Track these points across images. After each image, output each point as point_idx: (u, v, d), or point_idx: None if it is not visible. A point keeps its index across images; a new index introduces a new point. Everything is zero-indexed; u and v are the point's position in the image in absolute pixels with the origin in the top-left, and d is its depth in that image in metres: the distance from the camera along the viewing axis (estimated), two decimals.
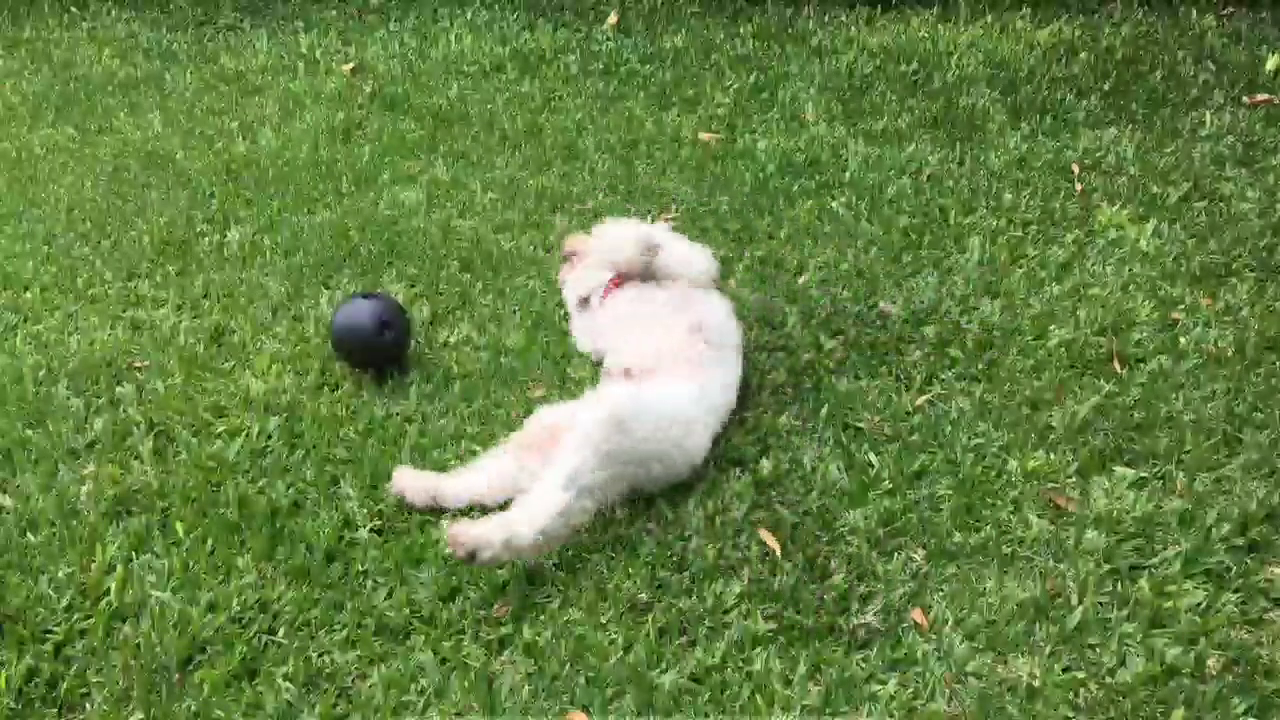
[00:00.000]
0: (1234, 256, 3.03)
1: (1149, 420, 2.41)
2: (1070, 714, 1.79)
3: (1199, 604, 1.97)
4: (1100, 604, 1.98)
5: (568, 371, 2.69)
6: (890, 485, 2.27)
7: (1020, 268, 3.06)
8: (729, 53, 4.79)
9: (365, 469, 2.36)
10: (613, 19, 5.23)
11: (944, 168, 3.68)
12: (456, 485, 2.26)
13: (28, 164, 4.08)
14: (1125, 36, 4.60)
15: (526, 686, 1.85)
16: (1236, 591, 1.99)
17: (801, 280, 3.06)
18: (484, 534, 1.98)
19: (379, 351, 2.62)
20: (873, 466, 2.33)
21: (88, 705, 1.86)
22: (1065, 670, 1.86)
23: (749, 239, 3.29)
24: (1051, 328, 2.76)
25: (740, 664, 1.88)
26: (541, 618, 1.99)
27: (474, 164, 3.88)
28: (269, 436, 2.48)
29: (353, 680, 1.90)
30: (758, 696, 1.81)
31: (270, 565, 2.12)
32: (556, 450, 2.12)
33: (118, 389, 2.68)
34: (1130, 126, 3.87)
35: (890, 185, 3.55)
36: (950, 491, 2.25)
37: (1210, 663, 1.86)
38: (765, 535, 2.14)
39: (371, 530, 2.21)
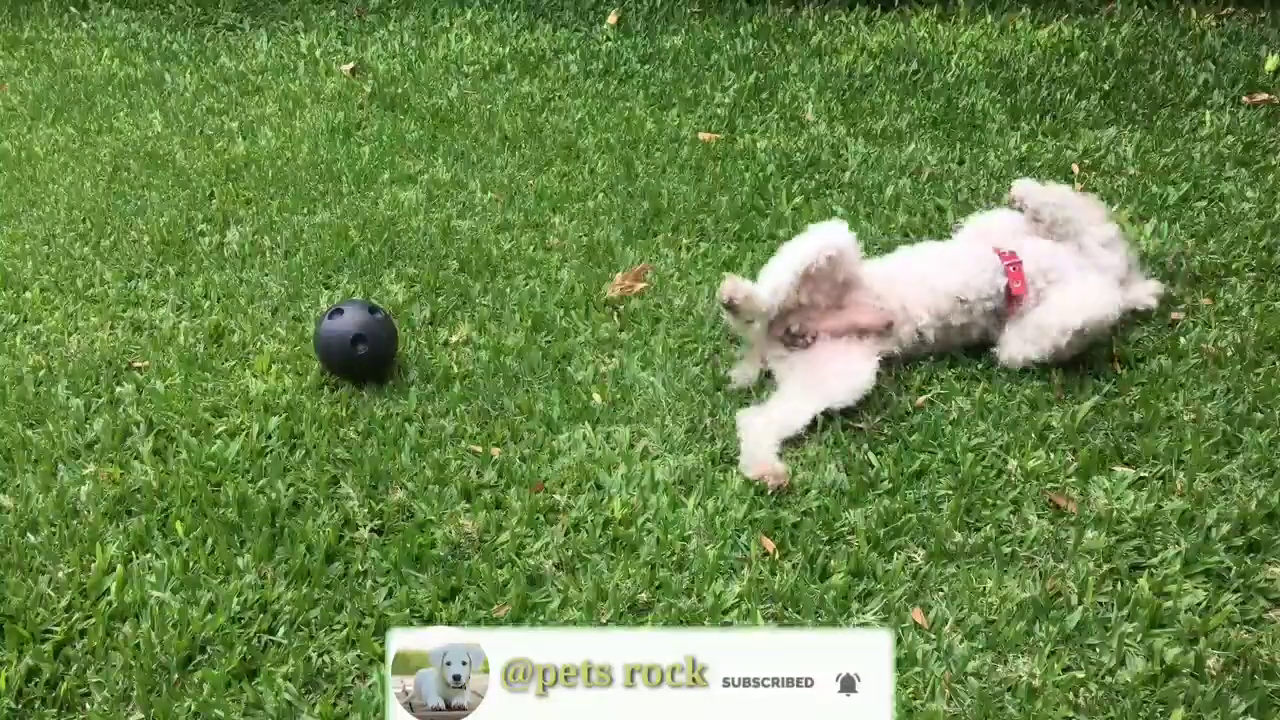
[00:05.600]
0: (1234, 256, 3.02)
1: (1149, 420, 2.41)
2: (1070, 714, 1.79)
3: (1199, 604, 1.97)
4: (1100, 604, 1.98)
5: (568, 371, 2.69)
6: (890, 485, 2.27)
7: None
8: (729, 53, 4.79)
9: (365, 469, 2.36)
10: (613, 19, 5.23)
11: (944, 168, 3.68)
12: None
13: (28, 164, 4.08)
14: (1125, 36, 4.60)
15: None
16: (1236, 591, 1.99)
17: None
18: None
19: (354, 364, 2.61)
20: (873, 466, 2.33)
21: (88, 705, 1.87)
22: (1065, 670, 1.86)
23: (749, 239, 3.29)
24: None
25: None
26: (541, 618, 1.99)
27: (474, 164, 3.88)
28: (269, 436, 2.48)
29: (353, 680, 1.90)
30: None
31: (270, 565, 2.12)
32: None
33: (118, 389, 2.68)
34: (1130, 126, 3.87)
35: (890, 185, 3.55)
36: (950, 491, 2.25)
37: (1210, 663, 1.86)
38: (764, 540, 2.14)
39: (371, 530, 2.22)
